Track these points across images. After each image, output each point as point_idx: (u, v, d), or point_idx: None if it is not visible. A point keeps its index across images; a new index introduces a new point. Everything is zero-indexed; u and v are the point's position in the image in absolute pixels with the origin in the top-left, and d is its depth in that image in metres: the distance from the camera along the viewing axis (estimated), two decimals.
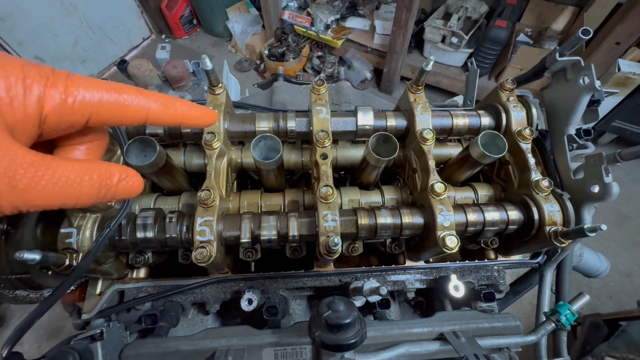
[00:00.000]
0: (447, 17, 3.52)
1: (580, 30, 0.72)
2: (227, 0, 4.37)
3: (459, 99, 1.40)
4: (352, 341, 0.58)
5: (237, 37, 4.35)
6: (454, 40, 3.47)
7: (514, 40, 3.43)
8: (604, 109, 3.25)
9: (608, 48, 2.72)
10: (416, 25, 3.62)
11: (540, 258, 0.88)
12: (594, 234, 0.63)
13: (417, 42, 3.84)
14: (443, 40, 3.55)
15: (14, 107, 0.33)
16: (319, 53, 4.12)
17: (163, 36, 4.74)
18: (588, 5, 3.27)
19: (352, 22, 4.00)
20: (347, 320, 0.58)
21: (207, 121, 0.50)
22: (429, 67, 0.77)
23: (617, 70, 2.87)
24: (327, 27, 3.99)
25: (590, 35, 0.72)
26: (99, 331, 0.61)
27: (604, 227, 0.62)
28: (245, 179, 1.04)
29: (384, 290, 0.67)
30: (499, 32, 3.32)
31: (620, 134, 3.31)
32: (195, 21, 4.73)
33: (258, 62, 4.38)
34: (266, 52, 4.06)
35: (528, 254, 0.90)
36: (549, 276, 0.87)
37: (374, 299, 0.72)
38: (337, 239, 0.60)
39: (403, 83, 4.05)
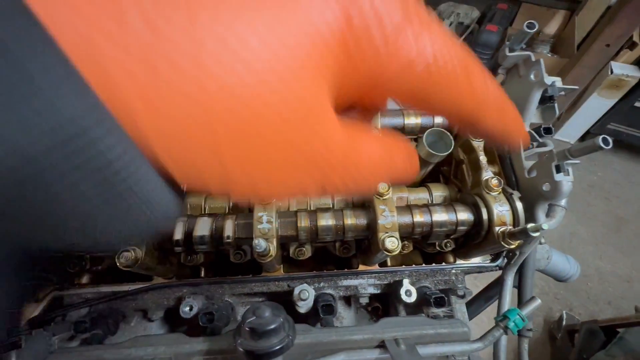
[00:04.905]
0: None
1: (525, 23, 0.70)
2: None
3: None
4: (276, 348, 0.55)
5: None
6: None
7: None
8: (599, 111, 3.20)
9: (598, 50, 2.69)
10: None
11: (500, 261, 0.84)
12: (537, 234, 0.59)
13: None
14: None
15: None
16: None
17: None
18: (579, 9, 3.25)
19: None
20: (270, 327, 0.55)
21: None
22: None
23: (610, 73, 2.83)
24: None
25: (536, 29, 0.70)
26: (16, 339, 0.58)
27: (545, 226, 0.59)
28: None
29: (305, 295, 0.64)
30: (489, 37, 3.31)
31: (615, 136, 3.24)
32: None
33: None
34: None
35: (488, 257, 0.86)
36: (510, 280, 0.83)
37: (306, 303, 0.69)
38: (259, 241, 0.57)
39: None
